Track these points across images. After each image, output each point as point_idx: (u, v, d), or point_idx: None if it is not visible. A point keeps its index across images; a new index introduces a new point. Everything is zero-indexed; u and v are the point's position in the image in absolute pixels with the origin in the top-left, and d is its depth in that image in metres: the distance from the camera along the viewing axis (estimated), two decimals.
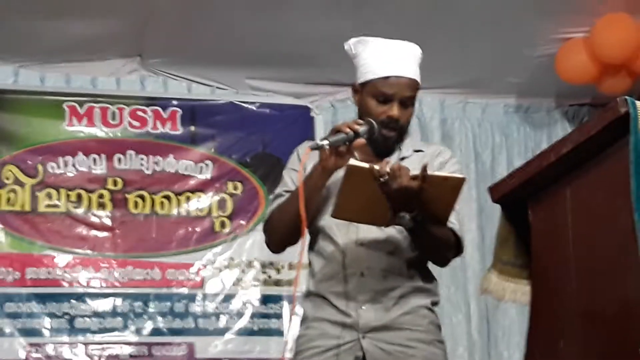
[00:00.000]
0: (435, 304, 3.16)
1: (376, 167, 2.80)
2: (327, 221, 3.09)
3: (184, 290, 5.52)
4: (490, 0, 5.09)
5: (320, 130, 5.87)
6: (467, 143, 6.15)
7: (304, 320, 3.19)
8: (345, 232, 3.10)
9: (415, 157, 3.16)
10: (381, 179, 2.79)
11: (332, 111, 6.04)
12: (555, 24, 5.42)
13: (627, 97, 2.59)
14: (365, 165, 2.83)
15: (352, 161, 2.85)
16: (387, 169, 2.80)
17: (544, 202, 2.95)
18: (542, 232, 2.96)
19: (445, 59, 5.58)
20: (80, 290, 5.38)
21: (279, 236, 3.15)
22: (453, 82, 6.06)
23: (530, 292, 3.03)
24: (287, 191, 3.16)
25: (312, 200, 3.02)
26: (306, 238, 3.11)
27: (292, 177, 3.15)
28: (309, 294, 3.19)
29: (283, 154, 5.67)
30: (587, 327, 2.73)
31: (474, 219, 5.91)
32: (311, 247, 3.22)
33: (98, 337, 5.33)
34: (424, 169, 2.78)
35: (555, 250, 2.89)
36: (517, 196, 3.03)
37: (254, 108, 5.87)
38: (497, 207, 3.18)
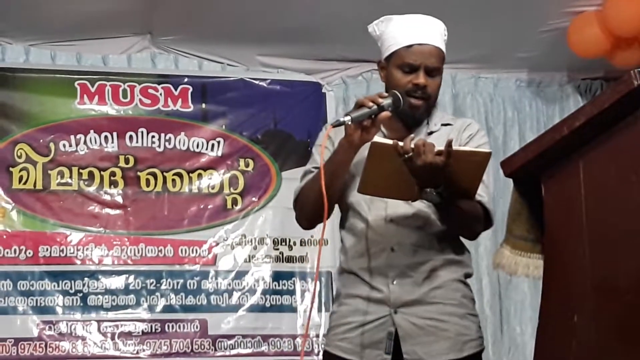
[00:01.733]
0: (468, 276, 3.17)
1: (400, 143, 2.79)
2: (356, 197, 3.10)
3: (197, 268, 5.53)
4: None
5: (332, 106, 5.86)
6: (479, 118, 6.13)
7: (337, 297, 3.22)
8: (374, 209, 3.10)
9: (444, 130, 3.16)
10: (405, 156, 2.78)
11: (344, 87, 6.03)
12: None
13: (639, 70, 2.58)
14: (389, 142, 2.82)
15: (376, 138, 2.85)
16: (411, 146, 2.78)
17: (557, 176, 2.94)
18: (555, 206, 2.95)
19: (456, 34, 5.48)
20: (93, 267, 5.40)
21: (308, 213, 3.16)
22: (465, 57, 6.04)
23: (543, 267, 3.02)
24: (316, 167, 3.15)
25: (339, 176, 3.03)
26: (332, 216, 3.12)
27: (321, 153, 3.13)
28: (341, 271, 3.21)
29: (294, 131, 5.73)
30: (601, 301, 2.72)
31: None
32: (342, 224, 3.23)
33: (111, 315, 5.35)
34: (449, 144, 2.77)
35: (568, 224, 2.88)
36: (529, 170, 3.01)
37: (265, 85, 5.86)
38: (510, 182, 3.17)
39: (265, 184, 5.71)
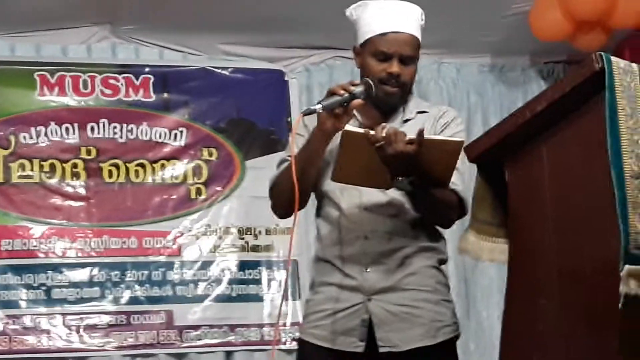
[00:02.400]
0: (442, 262, 3.17)
1: (371, 132, 2.78)
2: (330, 186, 3.08)
3: (161, 259, 5.50)
4: None
5: (295, 94, 5.84)
6: (442, 103, 6.09)
7: (312, 285, 3.22)
8: (348, 197, 3.09)
9: (420, 118, 3.14)
10: (377, 144, 2.77)
11: (307, 75, 6.01)
12: None
13: (602, 52, 2.58)
14: (361, 130, 2.81)
15: (348, 127, 2.83)
16: (383, 134, 2.77)
17: (520, 161, 2.94)
18: (519, 190, 2.95)
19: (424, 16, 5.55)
20: (57, 260, 5.35)
21: (283, 202, 3.12)
22: (427, 43, 5.86)
23: (508, 251, 3.03)
24: (291, 156, 3.12)
25: (312, 164, 3.02)
26: (309, 205, 3.12)
27: (297, 142, 3.11)
28: (317, 259, 3.20)
29: (257, 119, 5.71)
30: (567, 285, 2.72)
31: None
32: (317, 212, 3.22)
33: (76, 308, 5.31)
34: (420, 133, 2.76)
35: (533, 209, 2.88)
36: (493, 155, 3.01)
37: (227, 73, 5.82)
38: (475, 167, 3.16)
39: (230, 173, 5.68)
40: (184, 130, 5.68)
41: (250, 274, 5.57)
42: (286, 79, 5.90)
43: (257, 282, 5.56)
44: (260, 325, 5.49)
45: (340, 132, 2.86)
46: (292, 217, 2.98)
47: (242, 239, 5.60)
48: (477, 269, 5.90)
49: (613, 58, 2.55)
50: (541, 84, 6.26)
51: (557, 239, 2.76)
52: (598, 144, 2.53)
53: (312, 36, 5.85)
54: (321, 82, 5.86)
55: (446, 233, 5.77)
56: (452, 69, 6.26)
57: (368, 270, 3.05)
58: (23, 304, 5.24)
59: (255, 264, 5.59)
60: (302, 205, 3.02)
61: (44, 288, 5.28)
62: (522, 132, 2.87)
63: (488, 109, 6.24)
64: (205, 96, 5.75)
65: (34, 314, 5.24)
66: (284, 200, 3.08)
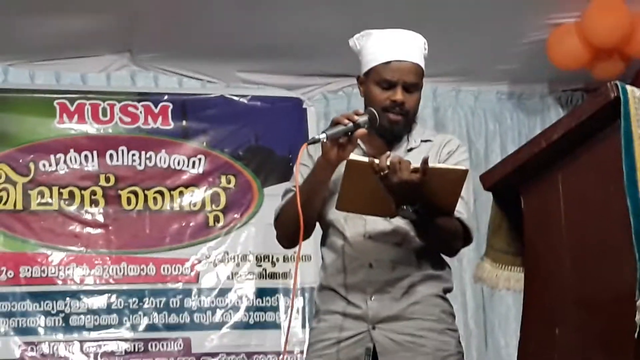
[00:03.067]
0: (447, 290, 3.16)
1: (376, 161, 2.79)
2: (335, 215, 3.09)
3: (179, 286, 5.49)
4: None
5: (313, 121, 5.85)
6: (460, 131, 6.13)
7: (316, 313, 3.21)
8: (353, 225, 3.10)
9: (424, 147, 3.15)
10: (381, 173, 2.78)
11: (324, 102, 6.02)
12: (547, 10, 5.39)
13: (617, 82, 2.58)
14: (365, 159, 2.82)
15: (352, 156, 2.85)
16: (387, 163, 2.78)
17: (536, 189, 2.94)
18: (535, 218, 2.95)
19: (437, 47, 5.48)
20: (75, 287, 5.35)
21: (288, 232, 3.14)
22: (445, 70, 6.04)
23: (524, 280, 3.02)
24: (295, 186, 3.14)
25: (317, 194, 3.04)
26: (315, 232, 3.14)
27: (302, 172, 3.13)
28: (321, 288, 3.20)
29: (276, 147, 5.72)
30: (582, 314, 2.71)
31: None
32: (323, 241, 3.22)
33: (93, 335, 5.31)
34: (425, 161, 2.77)
35: (548, 237, 2.88)
36: (509, 183, 3.01)
37: (245, 101, 5.84)
38: (491, 195, 3.16)
39: (247, 201, 5.69)
40: (203, 157, 5.69)
41: (268, 301, 5.56)
42: (304, 106, 5.91)
43: (275, 309, 5.55)
44: (278, 353, 5.47)
45: (344, 162, 2.87)
46: (299, 245, 2.98)
47: (260, 266, 5.60)
48: (494, 297, 5.87)
49: (628, 87, 2.56)
50: (559, 112, 6.25)
51: (572, 267, 2.75)
52: (614, 172, 2.53)
53: (330, 64, 5.86)
54: (339, 110, 5.85)
55: (463, 261, 5.84)
56: (470, 97, 6.26)
57: (372, 298, 3.05)
58: (41, 330, 5.24)
59: (272, 291, 5.57)
60: (308, 235, 3.04)
61: (62, 315, 5.28)
62: (538, 160, 2.87)
63: (506, 136, 6.23)
64: (223, 124, 5.76)
65: (52, 341, 5.23)
66: (289, 230, 3.10)
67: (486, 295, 5.89)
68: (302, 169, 3.13)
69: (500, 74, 6.14)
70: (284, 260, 5.60)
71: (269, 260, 5.61)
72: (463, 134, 6.13)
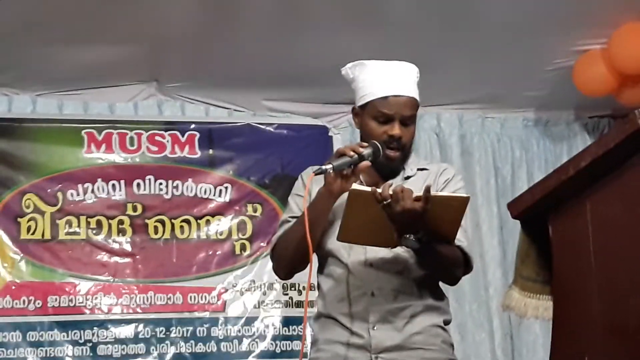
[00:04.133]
0: (447, 322, 3.15)
1: (378, 190, 2.80)
2: (334, 244, 3.08)
3: (206, 314, 5.51)
4: (507, 14, 5.05)
5: None
6: (486, 158, 6.12)
7: (314, 342, 3.19)
8: (354, 254, 3.09)
9: (420, 175, 3.17)
10: (384, 202, 2.78)
11: (350, 130, 6.02)
12: (573, 37, 5.39)
13: None
14: (368, 189, 2.83)
15: (355, 185, 2.85)
16: (390, 192, 2.78)
17: (564, 217, 2.93)
18: (563, 246, 2.94)
19: (462, 75, 5.57)
20: (102, 317, 5.38)
21: (286, 262, 3.16)
22: (471, 98, 6.05)
23: (553, 308, 3.00)
24: (292, 217, 3.17)
25: (318, 224, 3.03)
26: (314, 262, 3.10)
27: (297, 202, 3.16)
28: (319, 316, 3.19)
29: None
30: (611, 342, 2.69)
31: (495, 235, 5.88)
32: (320, 270, 3.21)
33: None
34: (427, 190, 2.77)
35: (577, 265, 2.86)
36: (536, 211, 3.00)
37: (272, 129, 5.87)
38: (519, 223, 3.16)
39: (274, 229, 5.60)
40: (229, 186, 5.71)
41: (294, 330, 5.55)
42: (330, 134, 5.93)
43: (301, 338, 5.54)
44: None
45: (345, 193, 2.87)
46: (309, 273, 2.98)
47: (286, 294, 5.60)
48: (521, 326, 5.85)
49: None
50: (586, 138, 6.24)
51: (601, 294, 2.74)
52: None
53: None
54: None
55: (489, 289, 5.81)
56: (496, 124, 6.25)
57: (375, 328, 3.03)
58: None
59: (299, 320, 5.56)
60: (304, 265, 3.02)
61: (89, 344, 5.30)
62: (565, 188, 2.86)
63: (532, 163, 6.22)
64: (250, 152, 5.79)
65: None
66: (287, 260, 3.12)
67: (514, 323, 5.86)
68: (296, 199, 3.16)
69: (527, 100, 6.14)
70: (310, 289, 5.57)
71: (295, 289, 5.61)
72: (489, 161, 6.13)
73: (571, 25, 5.24)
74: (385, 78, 3.10)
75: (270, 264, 5.43)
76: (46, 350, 5.23)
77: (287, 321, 5.57)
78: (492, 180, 6.08)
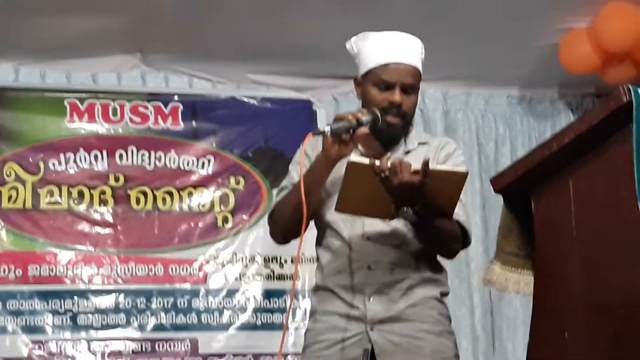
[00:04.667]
0: (444, 294, 3.15)
1: (377, 162, 2.79)
2: (333, 216, 3.08)
3: (187, 286, 5.50)
4: None
5: (323, 123, 5.83)
6: (470, 135, 6.13)
7: (312, 313, 3.19)
8: (351, 226, 3.09)
9: (421, 149, 3.15)
10: (382, 175, 2.77)
11: (334, 104, 6.02)
12: (558, 14, 5.38)
13: (629, 85, 2.57)
14: (366, 160, 2.82)
15: (353, 157, 2.85)
16: (388, 165, 2.78)
17: (547, 193, 2.93)
18: (545, 222, 2.94)
19: (448, 51, 5.55)
20: (83, 287, 5.37)
21: (283, 228, 3.15)
22: (456, 74, 6.04)
23: (534, 283, 3.01)
24: (292, 183, 3.15)
25: (315, 190, 3.02)
26: (307, 232, 3.10)
27: (298, 170, 3.13)
28: (317, 288, 3.19)
29: (285, 148, 5.70)
30: (592, 318, 2.71)
31: (477, 211, 5.88)
32: (319, 242, 3.21)
33: (101, 334, 5.32)
34: (425, 163, 2.76)
35: (559, 241, 2.87)
36: (519, 187, 3.01)
37: (256, 102, 5.85)
38: (501, 199, 3.16)
39: (256, 202, 5.69)
40: (212, 158, 5.70)
41: (275, 303, 5.56)
42: (314, 108, 5.91)
43: (283, 310, 5.53)
44: (285, 355, 5.48)
45: (343, 163, 2.86)
46: (299, 244, 2.97)
47: (268, 267, 5.60)
48: (502, 301, 5.87)
49: None
50: (570, 116, 6.25)
51: (583, 272, 2.75)
52: (625, 177, 2.53)
53: (340, 66, 5.80)
54: (349, 112, 5.85)
55: (471, 265, 5.83)
56: (480, 101, 6.25)
57: (371, 300, 3.04)
58: (49, 329, 5.25)
59: (280, 293, 5.57)
60: (299, 232, 2.99)
61: (70, 314, 5.29)
62: (549, 164, 2.86)
63: (516, 140, 6.23)
64: (233, 125, 5.77)
65: (59, 340, 5.25)
66: (284, 225, 3.11)
67: (494, 299, 5.88)
68: (297, 167, 3.13)
69: (511, 78, 6.14)
70: (292, 262, 5.59)
71: (277, 262, 5.62)
72: (473, 138, 6.13)
73: (557, 3, 5.24)
74: (387, 46, 3.09)
75: (251, 237, 5.62)
76: (26, 319, 5.22)
77: (268, 294, 5.57)
78: (475, 156, 6.09)
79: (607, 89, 5.60)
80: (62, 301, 5.30)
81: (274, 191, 5.63)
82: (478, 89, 6.24)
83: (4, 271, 5.26)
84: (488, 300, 5.89)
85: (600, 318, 2.68)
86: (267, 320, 5.53)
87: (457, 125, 6.14)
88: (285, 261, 5.60)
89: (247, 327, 5.50)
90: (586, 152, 2.75)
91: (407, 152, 3.13)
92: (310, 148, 3.13)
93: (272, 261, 5.60)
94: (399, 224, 3.03)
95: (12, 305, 5.22)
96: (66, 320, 5.28)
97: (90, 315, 5.32)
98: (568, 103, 6.36)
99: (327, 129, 2.92)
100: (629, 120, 2.53)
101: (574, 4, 5.29)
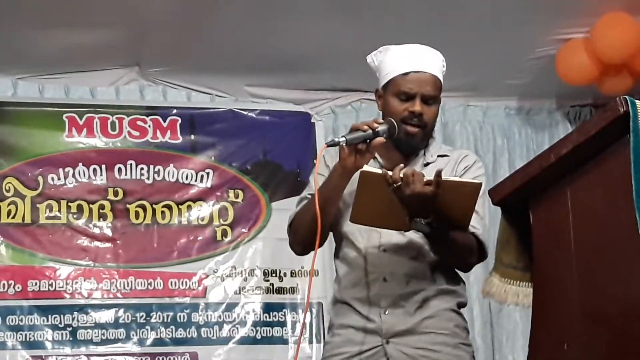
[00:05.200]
0: (461, 305, 3.15)
1: (389, 172, 2.78)
2: (349, 227, 3.08)
3: (187, 300, 5.49)
4: (490, 2, 5.06)
5: (321, 136, 5.84)
6: (468, 146, 6.13)
7: (330, 327, 3.20)
8: (367, 238, 3.09)
9: (440, 162, 3.15)
10: (394, 185, 2.77)
11: (333, 117, 6.03)
12: (555, 25, 5.40)
13: (626, 96, 2.57)
14: (378, 171, 2.82)
15: (366, 167, 2.84)
16: (400, 175, 2.77)
17: (545, 204, 2.93)
18: (543, 233, 2.94)
19: (445, 62, 5.55)
20: (82, 301, 5.36)
21: (302, 238, 3.13)
22: (453, 86, 6.02)
23: (533, 295, 3.01)
24: (311, 194, 3.13)
25: (332, 201, 3.02)
26: (327, 244, 3.12)
27: (318, 181, 3.12)
28: (335, 302, 3.20)
29: (284, 161, 5.72)
30: (591, 329, 2.70)
31: None
32: (336, 254, 3.22)
33: (101, 349, 5.31)
34: (438, 174, 2.76)
35: (557, 252, 2.87)
36: (517, 198, 3.01)
37: (254, 115, 5.85)
38: (500, 211, 3.16)
39: (255, 215, 5.69)
40: (211, 172, 5.70)
41: (275, 316, 5.55)
42: (312, 121, 5.91)
43: (282, 324, 5.54)
44: None
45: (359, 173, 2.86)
46: (313, 256, 2.96)
47: (267, 280, 5.59)
48: (502, 313, 5.87)
49: (638, 102, 2.55)
50: (568, 127, 6.25)
51: (580, 282, 2.74)
52: (622, 187, 2.52)
53: (338, 78, 5.87)
54: (347, 124, 5.81)
55: (470, 276, 5.83)
56: (478, 112, 6.26)
57: (386, 312, 3.04)
58: (49, 344, 5.24)
59: (280, 306, 5.57)
60: (321, 243, 3.00)
61: (69, 329, 5.28)
62: (547, 175, 2.86)
63: (514, 151, 6.23)
64: (231, 138, 5.77)
65: (59, 355, 5.23)
66: (302, 236, 3.10)
67: (494, 311, 5.88)
68: (318, 178, 3.10)
69: (509, 89, 6.14)
70: (291, 275, 5.59)
71: (276, 275, 5.61)
72: (471, 149, 6.11)
73: (554, 13, 5.25)
74: (407, 56, 3.10)
75: (251, 250, 5.61)
76: (26, 335, 5.21)
77: (268, 307, 5.56)
78: None
79: (604, 100, 5.62)
80: (62, 316, 5.29)
81: (273, 204, 5.67)
82: (476, 101, 6.25)
83: (4, 286, 5.26)
84: (487, 312, 5.88)
85: (599, 329, 2.67)
86: (266, 334, 5.52)
87: (455, 137, 6.14)
88: (285, 274, 5.59)
89: (246, 340, 5.48)
90: (584, 163, 2.75)
91: (427, 164, 3.13)
92: (330, 158, 3.13)
93: (271, 274, 5.60)
94: (415, 236, 3.03)
95: (12, 320, 5.22)
96: (66, 335, 5.27)
97: (90, 330, 5.31)
98: (566, 114, 6.36)
99: (342, 140, 2.91)
100: (626, 131, 2.53)
101: (571, 14, 5.30)
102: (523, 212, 3.01)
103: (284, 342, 5.51)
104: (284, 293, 5.59)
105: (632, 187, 2.49)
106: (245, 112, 5.85)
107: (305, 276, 5.54)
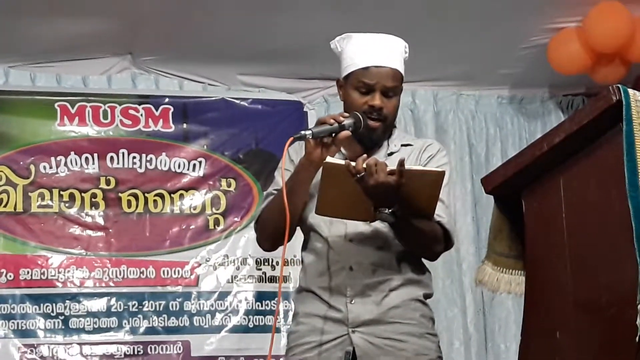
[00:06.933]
0: (427, 296, 3.15)
1: (352, 163, 2.79)
2: (315, 219, 3.09)
3: (179, 289, 5.49)
4: None
5: (313, 124, 5.82)
6: (461, 135, 6.13)
7: (295, 316, 3.20)
8: (334, 229, 3.10)
9: (404, 151, 3.16)
10: (358, 175, 2.78)
11: (325, 106, 6.02)
12: (548, 14, 5.39)
13: (619, 85, 2.57)
14: (341, 162, 2.83)
15: (329, 159, 2.86)
16: (363, 165, 2.78)
17: (537, 193, 2.93)
18: (536, 222, 2.95)
19: (438, 52, 5.57)
20: (74, 290, 5.35)
21: (269, 234, 3.15)
22: (446, 75, 6.05)
23: (525, 283, 3.02)
24: (277, 190, 3.15)
25: (299, 194, 3.03)
26: (297, 236, 3.12)
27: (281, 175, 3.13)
28: (300, 290, 3.20)
29: (276, 150, 5.70)
30: (583, 318, 2.71)
31: (469, 211, 5.88)
32: (304, 246, 3.22)
33: (93, 337, 5.30)
34: (401, 163, 2.77)
35: (549, 240, 2.87)
36: (510, 187, 3.01)
37: (246, 104, 5.84)
38: (492, 200, 3.16)
39: (248, 204, 5.69)
40: (203, 160, 5.69)
41: (267, 305, 5.56)
42: (305, 109, 5.91)
43: (274, 313, 5.54)
44: (277, 357, 5.46)
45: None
46: (284, 246, 2.97)
47: (260, 269, 5.60)
48: (494, 302, 5.88)
49: (630, 90, 2.55)
50: (560, 116, 6.25)
51: (573, 271, 2.75)
52: (615, 176, 2.52)
53: (330, 67, 5.76)
54: (330, 115, 5.84)
55: (463, 265, 5.84)
56: (471, 101, 6.26)
57: (352, 302, 3.04)
58: (40, 333, 5.24)
59: (272, 295, 5.57)
60: (289, 237, 3.01)
61: (61, 317, 5.28)
62: (539, 164, 2.86)
63: (507, 140, 6.24)
64: (224, 127, 5.76)
65: (51, 344, 5.23)
66: (270, 232, 3.12)
67: (486, 299, 5.89)
68: (282, 173, 3.13)
69: (501, 78, 6.14)
70: (284, 264, 5.58)
71: (268, 264, 5.61)
72: (464, 138, 6.14)
73: (546, 3, 5.25)
74: (368, 49, 3.10)
75: (243, 239, 5.60)
76: (18, 323, 5.20)
77: (260, 296, 5.57)
78: (466, 157, 6.09)
79: (597, 89, 5.61)
80: (54, 305, 5.28)
81: (265, 193, 5.65)
82: (468, 90, 6.25)
83: None
84: (480, 300, 5.89)
85: (591, 317, 2.68)
86: (259, 323, 5.52)
87: (448, 126, 6.14)
88: (277, 263, 5.59)
89: (239, 329, 5.49)
90: (576, 152, 2.75)
91: (390, 154, 3.13)
92: (295, 153, 3.15)
93: (264, 263, 5.60)
94: (381, 225, 3.03)
95: (4, 309, 5.21)
96: (58, 323, 5.27)
97: (82, 319, 5.31)
98: (558, 103, 6.37)
99: (309, 133, 2.94)
100: (619, 119, 2.53)
101: (563, 4, 5.30)
102: (516, 200, 3.01)
103: (277, 330, 5.50)
104: (276, 282, 5.58)
105: (624, 175, 2.49)
106: (237, 101, 5.84)
107: (298, 265, 5.51)
